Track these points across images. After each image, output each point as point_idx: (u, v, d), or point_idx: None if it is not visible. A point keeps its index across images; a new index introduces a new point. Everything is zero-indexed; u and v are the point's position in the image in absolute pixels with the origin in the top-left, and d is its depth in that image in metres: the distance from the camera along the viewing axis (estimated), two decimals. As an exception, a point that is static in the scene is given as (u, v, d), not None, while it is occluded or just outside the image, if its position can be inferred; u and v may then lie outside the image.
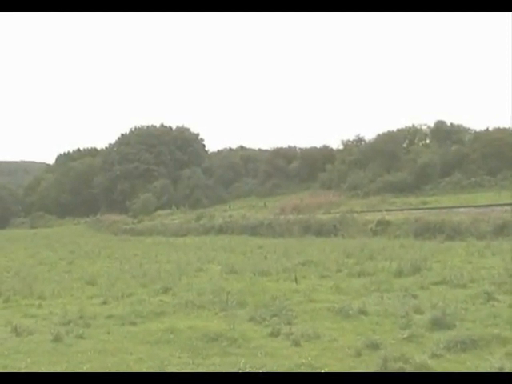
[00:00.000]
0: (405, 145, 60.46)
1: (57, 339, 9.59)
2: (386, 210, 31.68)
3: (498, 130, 52.36)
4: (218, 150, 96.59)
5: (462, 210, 28.73)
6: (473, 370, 6.93)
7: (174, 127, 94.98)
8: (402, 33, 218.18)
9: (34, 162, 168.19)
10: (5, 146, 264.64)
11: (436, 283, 13.10)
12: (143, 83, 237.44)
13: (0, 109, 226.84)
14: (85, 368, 7.68)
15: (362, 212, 34.34)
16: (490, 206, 28.77)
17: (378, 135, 60.86)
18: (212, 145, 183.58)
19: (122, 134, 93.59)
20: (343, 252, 20.68)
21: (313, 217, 33.07)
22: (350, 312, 10.39)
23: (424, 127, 61.00)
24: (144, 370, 7.45)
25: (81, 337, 9.83)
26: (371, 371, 7.00)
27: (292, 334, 9.09)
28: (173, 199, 70.98)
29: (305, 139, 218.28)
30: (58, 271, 21.65)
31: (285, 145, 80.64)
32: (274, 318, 10.26)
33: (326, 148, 71.10)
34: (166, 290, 14.44)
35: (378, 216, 28.98)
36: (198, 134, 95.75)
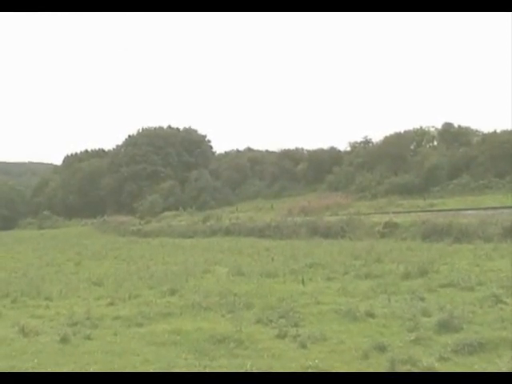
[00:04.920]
0: (412, 147, 60.26)
1: (64, 340, 9.61)
2: (394, 213, 31.61)
3: (506, 133, 52.06)
4: (226, 152, 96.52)
5: (469, 212, 28.60)
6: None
7: (181, 128, 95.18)
8: (410, 34, 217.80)
9: (41, 163, 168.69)
10: (12, 148, 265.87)
11: (443, 286, 13.04)
12: (151, 84, 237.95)
13: (7, 110, 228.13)
14: (92, 369, 7.69)
15: (369, 214, 34.24)
16: (498, 208, 28.64)
17: (386, 137, 60.75)
18: (219, 146, 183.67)
19: (130, 136, 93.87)
20: (350, 254, 20.64)
21: (320, 219, 33.01)
22: (357, 314, 10.36)
23: (432, 129, 60.82)
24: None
25: (88, 338, 9.85)
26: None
27: (299, 336, 9.07)
28: (180, 201, 71.03)
29: (312, 141, 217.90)
30: (65, 272, 21.73)
31: (292, 147, 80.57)
32: (281, 320, 10.24)
33: (333, 150, 70.91)
34: (172, 292, 14.45)
35: (385, 218, 28.90)
36: (205, 136, 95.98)
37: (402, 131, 61.10)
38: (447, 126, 58.60)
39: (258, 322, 10.44)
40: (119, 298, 13.95)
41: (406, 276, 14.76)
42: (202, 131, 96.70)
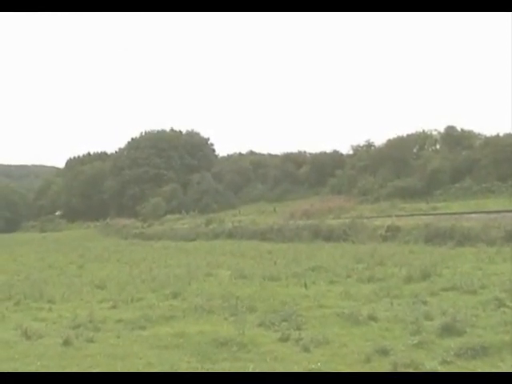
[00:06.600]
0: (415, 150, 60.32)
1: (66, 343, 9.60)
2: (396, 216, 31.56)
3: (509, 136, 52.01)
4: (228, 155, 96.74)
5: (472, 215, 28.52)
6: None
7: (183, 131, 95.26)
8: (413, 37, 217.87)
9: (44, 166, 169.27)
10: (15, 150, 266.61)
11: (446, 289, 13.00)
12: (153, 87, 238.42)
13: (10, 113, 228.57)
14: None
15: (371, 217, 34.21)
16: (501, 211, 28.56)
17: (388, 140, 60.84)
18: (222, 149, 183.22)
19: (132, 139, 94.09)
20: (353, 257, 20.62)
21: (322, 222, 32.99)
22: (360, 318, 10.33)
23: (434, 132, 60.85)
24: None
25: (90, 341, 9.84)
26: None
27: (301, 339, 9.06)
28: (182, 204, 71.04)
29: (314, 144, 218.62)
30: (67, 275, 21.72)
31: (295, 150, 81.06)
32: (284, 324, 10.23)
33: (335, 153, 71.07)
34: (175, 295, 14.45)
35: (387, 221, 28.87)
36: (207, 139, 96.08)
37: (405, 135, 61.27)
38: (450, 130, 58.60)
39: (261, 325, 10.42)
40: (122, 301, 13.95)
41: (409, 279, 14.72)
42: (204, 134, 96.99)
